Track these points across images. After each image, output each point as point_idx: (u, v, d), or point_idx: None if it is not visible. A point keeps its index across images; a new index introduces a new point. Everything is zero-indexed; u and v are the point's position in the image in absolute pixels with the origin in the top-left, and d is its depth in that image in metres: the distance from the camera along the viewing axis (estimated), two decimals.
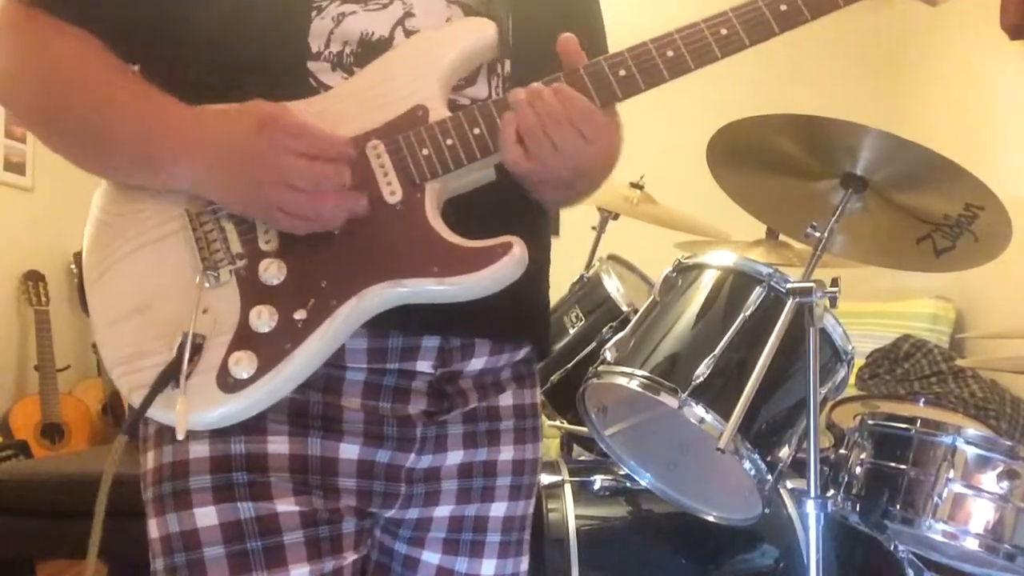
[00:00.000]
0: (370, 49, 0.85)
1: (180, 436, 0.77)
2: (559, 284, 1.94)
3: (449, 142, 0.81)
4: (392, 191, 0.81)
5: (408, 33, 0.87)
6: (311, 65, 0.84)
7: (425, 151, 0.81)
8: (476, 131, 0.82)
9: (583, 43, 0.89)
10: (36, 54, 0.84)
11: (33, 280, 3.36)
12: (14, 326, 3.39)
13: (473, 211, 0.84)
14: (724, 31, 0.83)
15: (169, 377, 0.76)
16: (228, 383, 0.76)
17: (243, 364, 0.76)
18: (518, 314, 0.93)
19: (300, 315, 0.78)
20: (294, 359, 0.77)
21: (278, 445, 0.82)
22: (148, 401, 0.76)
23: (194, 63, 0.85)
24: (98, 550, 0.77)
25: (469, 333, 0.91)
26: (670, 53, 0.83)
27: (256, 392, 0.77)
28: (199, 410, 0.76)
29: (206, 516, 0.80)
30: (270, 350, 0.77)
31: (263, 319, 0.78)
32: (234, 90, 0.81)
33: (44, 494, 2.19)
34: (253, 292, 0.79)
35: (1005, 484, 1.33)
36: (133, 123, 0.82)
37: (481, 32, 0.86)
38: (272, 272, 0.79)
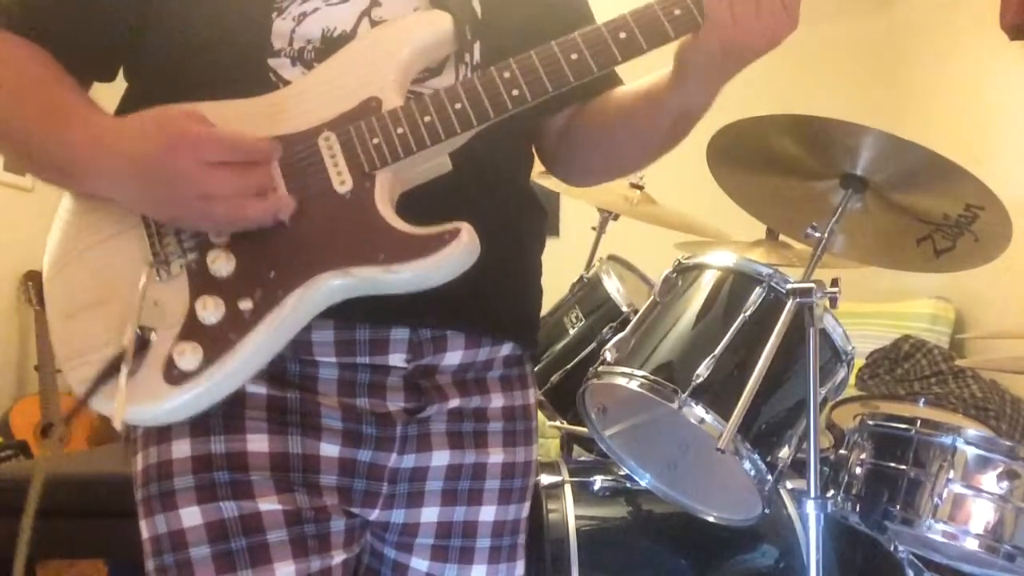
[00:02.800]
0: (332, 45, 0.85)
1: (117, 426, 0.75)
2: (559, 284, 1.94)
3: (400, 131, 0.80)
4: (342, 181, 0.80)
5: (374, 24, 0.87)
6: (272, 61, 0.85)
7: (375, 140, 0.80)
8: (427, 119, 0.80)
9: (562, 21, 0.88)
10: None
11: (33, 280, 3.36)
12: (14, 326, 3.39)
13: (456, 199, 0.83)
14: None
15: (115, 368, 0.76)
16: (173, 375, 0.75)
17: (187, 355, 0.75)
18: (494, 306, 0.92)
19: (246, 305, 0.77)
20: (240, 350, 0.76)
21: (258, 443, 0.82)
22: (90, 392, 0.76)
23: (161, 68, 0.86)
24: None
25: (440, 324, 0.90)
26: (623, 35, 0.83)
27: (201, 384, 0.75)
28: (144, 402, 0.75)
29: (191, 516, 0.80)
30: (215, 341, 0.76)
31: (209, 310, 0.77)
32: (198, 90, 0.81)
33: (44, 494, 2.19)
34: (202, 284, 0.78)
35: (1005, 484, 1.33)
36: (51, 138, 0.81)
37: (436, 26, 0.85)
38: (220, 264, 0.78)
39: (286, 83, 0.84)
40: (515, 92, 0.81)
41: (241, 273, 0.78)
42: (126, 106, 0.89)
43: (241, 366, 0.76)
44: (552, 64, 0.82)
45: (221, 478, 0.81)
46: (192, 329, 0.77)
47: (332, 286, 0.78)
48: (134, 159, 0.77)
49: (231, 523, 0.80)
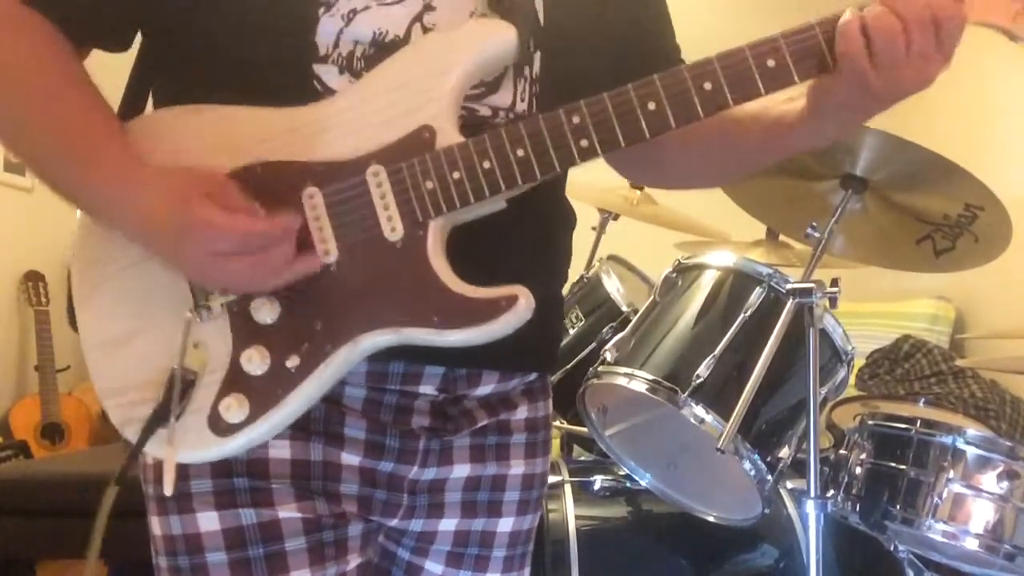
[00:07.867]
0: (383, 51, 0.78)
1: (168, 491, 0.76)
2: None
3: (456, 175, 0.74)
4: (393, 228, 0.75)
5: (427, 31, 0.79)
6: (317, 68, 0.78)
7: (429, 184, 0.74)
8: (486, 165, 0.74)
9: (631, 31, 0.84)
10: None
11: (33, 280, 3.36)
12: (14, 326, 3.39)
13: (492, 243, 0.80)
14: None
15: (160, 419, 0.76)
16: (220, 427, 0.75)
17: (234, 410, 0.75)
18: (529, 347, 0.89)
19: (293, 362, 0.75)
20: (286, 405, 0.75)
21: (279, 451, 0.81)
22: (140, 445, 0.76)
23: (200, 63, 0.81)
24: (98, 552, 0.77)
25: (476, 364, 0.88)
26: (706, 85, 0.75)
27: (248, 435, 0.76)
28: (192, 449, 0.76)
29: (208, 521, 0.80)
30: (262, 395, 0.75)
31: (255, 362, 0.75)
32: (239, 92, 0.78)
33: (44, 494, 2.19)
34: (245, 331, 0.76)
35: (1005, 484, 1.33)
36: (69, 173, 0.78)
37: (501, 37, 0.77)
38: (265, 311, 0.76)
39: (331, 92, 0.78)
40: (584, 143, 0.74)
41: (286, 322, 0.76)
42: (157, 98, 0.85)
43: (286, 417, 0.76)
44: (627, 114, 0.74)
45: (240, 484, 0.80)
46: (237, 379, 0.76)
47: (380, 341, 0.76)
48: (151, 226, 0.75)
49: (249, 530, 0.79)
